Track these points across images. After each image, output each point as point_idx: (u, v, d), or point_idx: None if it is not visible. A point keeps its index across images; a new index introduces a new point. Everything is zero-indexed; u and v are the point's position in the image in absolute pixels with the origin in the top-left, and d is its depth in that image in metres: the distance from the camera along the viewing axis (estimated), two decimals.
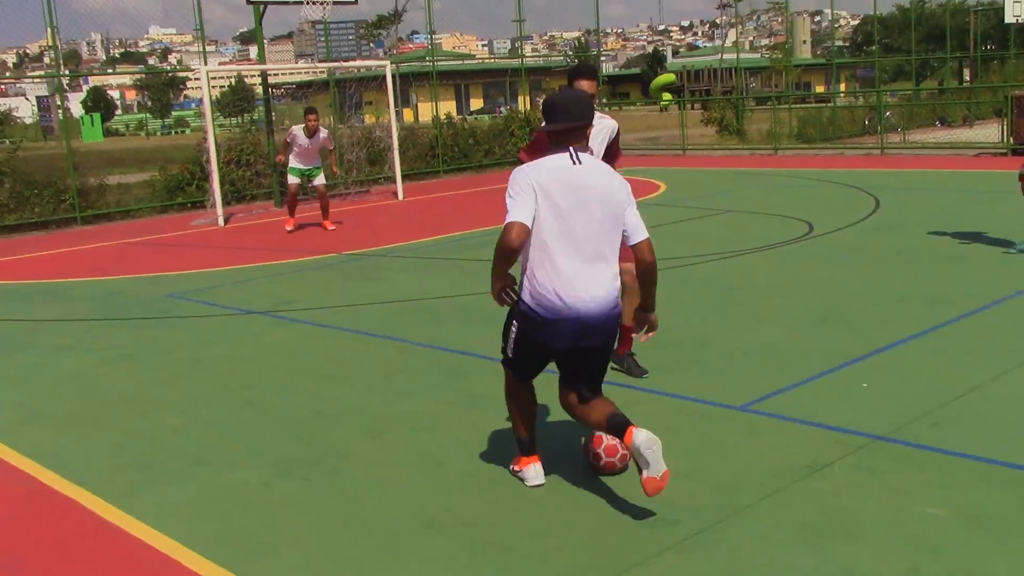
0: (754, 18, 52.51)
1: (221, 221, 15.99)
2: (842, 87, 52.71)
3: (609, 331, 4.23)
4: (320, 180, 14.35)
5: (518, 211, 4.09)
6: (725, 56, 56.47)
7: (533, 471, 4.52)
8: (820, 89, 57.54)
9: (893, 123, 26.03)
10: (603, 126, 6.01)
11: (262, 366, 7.02)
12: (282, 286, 10.25)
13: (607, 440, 4.47)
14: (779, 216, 12.00)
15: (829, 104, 32.80)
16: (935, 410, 5.16)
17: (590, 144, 5.27)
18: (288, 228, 14.41)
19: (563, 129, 4.22)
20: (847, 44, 76.63)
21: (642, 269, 4.34)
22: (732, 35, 62.82)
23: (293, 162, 14.06)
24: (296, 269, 11.24)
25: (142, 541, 4.16)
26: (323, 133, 14.01)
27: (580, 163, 4.19)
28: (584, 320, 4.11)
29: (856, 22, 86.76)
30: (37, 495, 4.81)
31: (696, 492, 4.30)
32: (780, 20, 49.13)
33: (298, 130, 13.87)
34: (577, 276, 4.10)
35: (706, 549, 3.79)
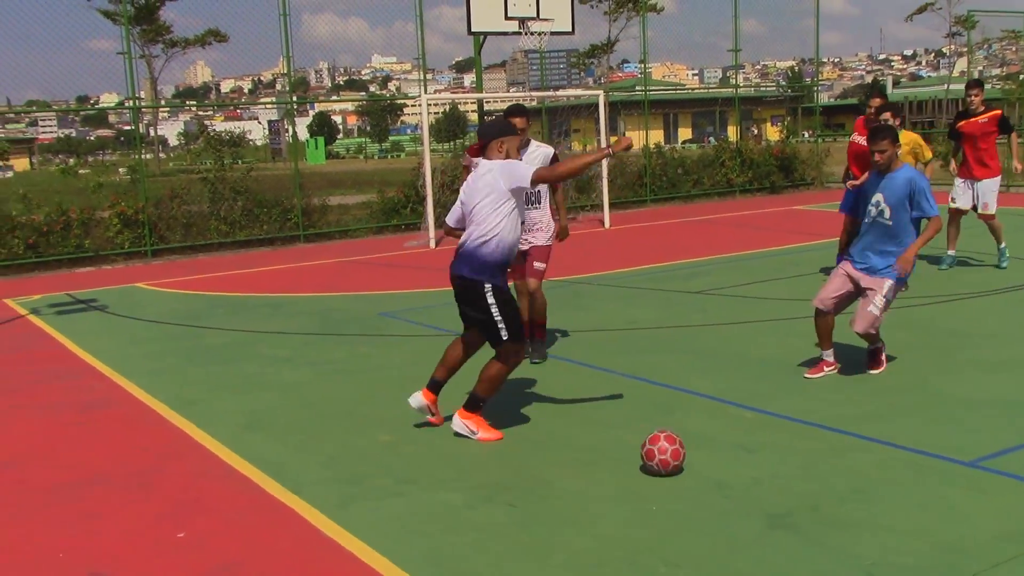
0: (985, 47, 49.52)
1: (433, 243, 16.49)
2: None
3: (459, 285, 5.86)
4: None
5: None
6: (952, 87, 53.72)
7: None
8: None
9: None
10: (540, 152, 7.52)
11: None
12: None
13: (658, 455, 5.03)
14: (1015, 259, 11.21)
15: None
16: None
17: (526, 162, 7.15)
18: None
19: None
20: None
21: None
22: (960, 65, 59.69)
23: None
24: None
25: (353, 555, 4.29)
26: None
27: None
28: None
29: None
30: (257, 501, 5.04)
31: (920, 552, 4.03)
32: (1015, 49, 46.30)
33: None
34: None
35: None
